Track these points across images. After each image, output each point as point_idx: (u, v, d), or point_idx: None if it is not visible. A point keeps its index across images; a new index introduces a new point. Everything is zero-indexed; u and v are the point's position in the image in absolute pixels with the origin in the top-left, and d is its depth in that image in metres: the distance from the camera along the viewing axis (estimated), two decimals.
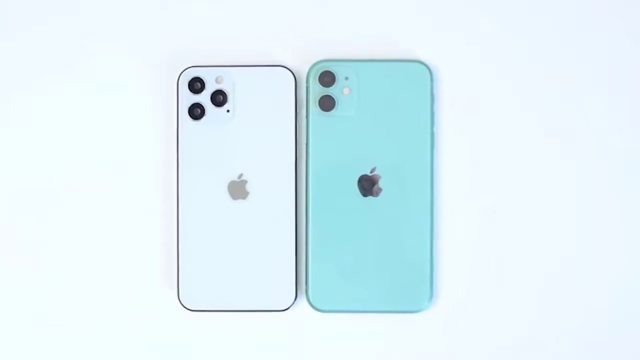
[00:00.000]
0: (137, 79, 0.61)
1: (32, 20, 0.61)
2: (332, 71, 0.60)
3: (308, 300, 0.60)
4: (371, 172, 0.60)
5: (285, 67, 0.60)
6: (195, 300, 0.60)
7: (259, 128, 0.60)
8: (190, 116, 0.60)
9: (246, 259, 0.60)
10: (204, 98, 0.60)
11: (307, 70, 0.60)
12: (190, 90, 0.60)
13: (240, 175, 0.60)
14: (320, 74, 0.60)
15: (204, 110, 0.60)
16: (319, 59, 0.60)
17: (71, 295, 0.62)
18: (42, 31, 0.61)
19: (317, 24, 0.61)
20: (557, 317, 0.61)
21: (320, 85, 0.60)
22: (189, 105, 0.60)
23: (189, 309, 0.61)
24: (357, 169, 0.60)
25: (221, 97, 0.60)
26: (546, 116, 0.61)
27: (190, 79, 0.60)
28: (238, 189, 0.60)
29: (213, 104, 0.60)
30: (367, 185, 0.60)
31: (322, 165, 0.60)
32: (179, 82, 0.60)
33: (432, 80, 0.60)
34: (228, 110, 0.60)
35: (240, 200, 0.60)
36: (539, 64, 0.61)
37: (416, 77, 0.60)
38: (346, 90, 0.60)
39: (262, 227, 0.60)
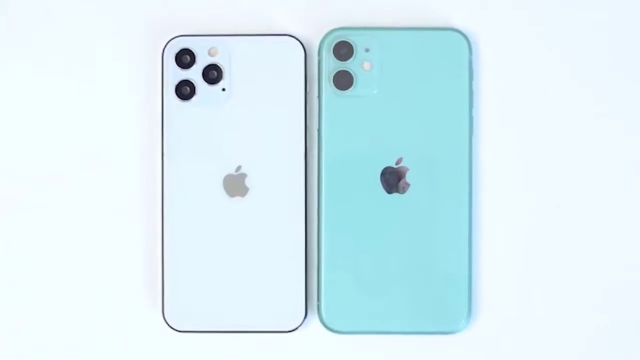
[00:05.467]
0: (114, 52, 0.60)
1: None
2: (349, 41, 0.58)
3: (320, 319, 0.59)
4: (397, 164, 0.58)
5: (292, 37, 0.59)
6: (183, 320, 0.59)
7: (260, 110, 0.59)
8: (178, 96, 0.59)
9: (245, 270, 0.59)
10: (194, 74, 0.59)
11: (319, 41, 0.59)
12: (178, 65, 0.59)
13: (239, 168, 0.59)
14: (336, 45, 0.58)
15: (194, 88, 0.59)
16: (333, 26, 0.59)
17: (37, 316, 0.61)
18: None
19: None
20: (620, 339, 0.60)
21: (336, 59, 0.58)
22: (177, 82, 0.59)
23: (176, 330, 0.59)
24: (380, 160, 0.58)
25: (215, 72, 0.59)
26: (609, 98, 0.60)
27: (177, 51, 0.59)
28: (236, 185, 0.59)
29: (205, 81, 0.59)
30: (392, 179, 0.58)
31: (337, 156, 0.58)
32: (164, 54, 0.59)
33: (470, 52, 0.58)
34: (223, 89, 0.59)
35: (238, 198, 0.59)
36: (600, 32, 0.60)
37: (451, 49, 0.58)
38: (366, 65, 0.58)
39: (265, 230, 0.59)
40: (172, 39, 0.59)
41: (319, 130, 0.58)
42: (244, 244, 0.59)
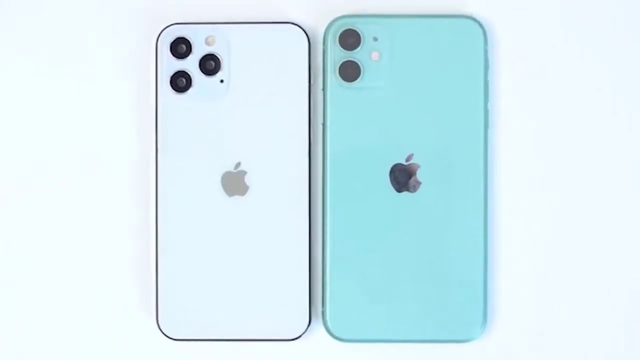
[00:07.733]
0: (105, 41, 0.61)
1: None
2: (356, 30, 0.58)
3: (325, 326, 0.59)
4: (407, 161, 0.58)
5: (295, 25, 0.59)
6: (179, 327, 0.59)
7: (261, 103, 0.59)
8: (173, 88, 0.59)
9: (245, 274, 0.59)
10: (190, 64, 0.59)
11: (324, 29, 0.59)
12: (173, 55, 0.59)
13: (238, 165, 0.59)
14: (342, 34, 0.58)
15: (190, 80, 0.59)
16: (339, 13, 0.59)
17: (29, 323, 0.61)
18: None
19: None
20: None
21: (342, 48, 0.58)
22: (172, 73, 0.59)
23: (171, 338, 0.59)
24: (389, 157, 0.58)
25: (213, 63, 0.59)
26: (632, 90, 0.60)
27: (172, 39, 0.59)
28: (235, 183, 0.59)
29: (202, 72, 0.59)
30: (402, 177, 0.58)
31: (343, 152, 0.58)
32: (158, 44, 0.59)
33: (485, 41, 0.58)
34: (222, 80, 0.59)
35: (237, 197, 0.59)
36: (622, 20, 0.60)
37: (465, 38, 0.59)
38: (375, 55, 0.58)
39: (266, 231, 0.59)
40: (167, 27, 0.59)
41: (323, 125, 0.58)
42: (243, 246, 0.59)
